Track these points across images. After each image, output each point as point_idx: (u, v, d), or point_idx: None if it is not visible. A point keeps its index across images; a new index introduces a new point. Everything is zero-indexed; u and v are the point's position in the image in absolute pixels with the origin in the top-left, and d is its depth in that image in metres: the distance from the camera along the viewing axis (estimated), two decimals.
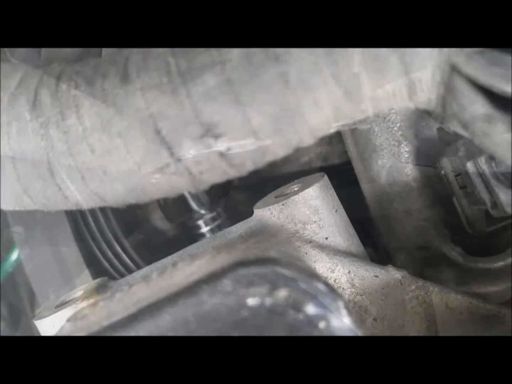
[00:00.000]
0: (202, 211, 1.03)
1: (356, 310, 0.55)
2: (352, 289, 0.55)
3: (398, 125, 0.73)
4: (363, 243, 0.61)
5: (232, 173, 0.44)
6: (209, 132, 0.41)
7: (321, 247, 0.56)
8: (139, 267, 0.89)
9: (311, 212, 0.56)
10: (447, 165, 0.63)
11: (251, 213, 0.60)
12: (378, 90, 0.40)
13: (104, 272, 0.88)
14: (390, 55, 0.39)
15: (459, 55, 0.38)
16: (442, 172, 0.64)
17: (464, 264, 0.75)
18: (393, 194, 0.76)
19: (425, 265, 0.78)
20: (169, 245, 1.01)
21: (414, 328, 0.55)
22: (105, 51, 0.49)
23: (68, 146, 0.42)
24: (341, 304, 0.36)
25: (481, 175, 0.55)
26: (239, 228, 0.60)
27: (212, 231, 1.03)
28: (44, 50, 0.53)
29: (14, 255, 1.13)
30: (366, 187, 0.80)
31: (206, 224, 1.03)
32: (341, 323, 0.36)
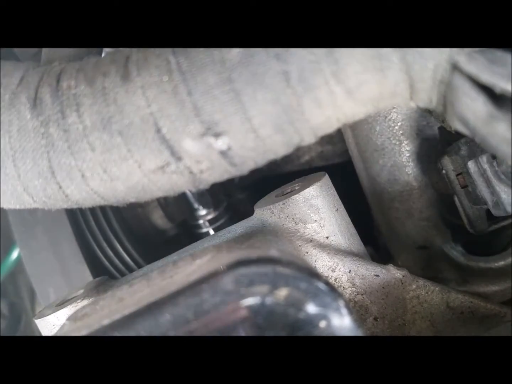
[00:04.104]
0: (203, 210, 1.03)
1: (356, 309, 0.55)
2: (353, 288, 0.55)
3: (399, 124, 0.73)
4: (364, 242, 0.61)
5: (233, 172, 0.44)
6: (210, 130, 0.41)
7: (322, 246, 0.56)
8: (139, 266, 0.89)
9: (312, 211, 0.56)
10: (448, 164, 0.62)
11: (252, 212, 0.60)
12: (379, 89, 0.40)
13: (105, 271, 0.89)
14: (391, 54, 0.39)
15: (460, 54, 0.38)
16: (443, 171, 0.63)
17: (465, 263, 0.75)
18: (394, 193, 0.76)
19: (426, 264, 0.78)
20: (169, 244, 1.01)
21: (414, 328, 0.55)
22: (105, 50, 0.49)
23: (69, 144, 0.42)
24: (341, 303, 0.36)
25: (482, 174, 0.55)
26: (240, 227, 0.60)
27: (213, 230, 1.03)
28: (44, 50, 0.53)
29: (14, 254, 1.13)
30: (367, 186, 0.80)
31: (207, 223, 1.03)
32: (342, 322, 0.36)
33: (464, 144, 0.60)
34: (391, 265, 0.56)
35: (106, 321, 0.37)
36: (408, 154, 0.74)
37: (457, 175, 0.62)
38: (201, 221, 1.03)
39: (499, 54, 0.37)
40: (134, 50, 0.44)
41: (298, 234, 0.56)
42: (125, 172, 0.43)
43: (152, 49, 0.43)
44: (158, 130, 0.41)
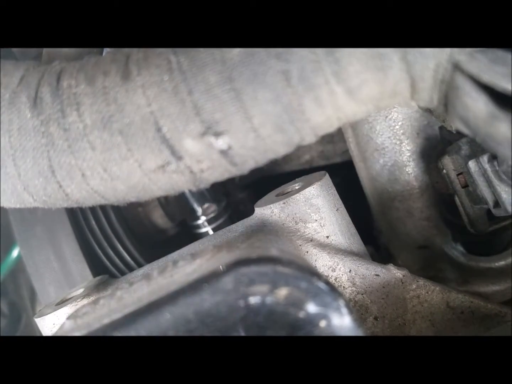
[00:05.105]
0: (202, 210, 1.03)
1: (357, 309, 0.55)
2: (353, 288, 0.55)
3: (400, 123, 0.73)
4: (364, 242, 0.61)
5: (233, 171, 0.44)
6: (210, 130, 0.41)
7: (322, 246, 0.56)
8: (139, 265, 0.89)
9: (312, 211, 0.56)
10: (449, 164, 0.62)
11: (252, 211, 0.60)
12: (380, 89, 0.40)
13: (105, 270, 0.89)
14: (392, 54, 0.39)
15: (461, 54, 0.38)
16: (444, 171, 0.63)
17: (465, 263, 0.75)
18: (395, 193, 0.76)
19: (426, 264, 0.78)
20: (170, 243, 1.01)
21: (414, 327, 0.55)
22: (105, 49, 0.49)
23: (69, 143, 0.42)
24: (342, 303, 0.36)
25: (483, 174, 0.55)
26: (240, 226, 0.60)
27: (213, 229, 1.03)
28: (45, 49, 0.53)
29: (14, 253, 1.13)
30: (367, 186, 0.80)
31: (207, 223, 1.03)
32: (342, 322, 0.36)
33: (465, 144, 0.60)
34: (391, 264, 0.56)
35: (106, 320, 0.37)
36: (408, 154, 0.74)
37: (457, 174, 0.62)
38: (200, 221, 1.03)
39: (500, 54, 0.37)
40: (135, 49, 0.44)
41: (299, 233, 0.56)
42: (125, 172, 0.43)
43: (152, 49, 0.43)
44: (159, 130, 0.41)
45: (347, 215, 0.60)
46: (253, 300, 0.36)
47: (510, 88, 0.35)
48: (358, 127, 0.76)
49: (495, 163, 0.53)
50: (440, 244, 0.76)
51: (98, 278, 0.64)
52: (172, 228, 1.03)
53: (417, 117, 0.72)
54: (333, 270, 0.55)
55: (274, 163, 0.45)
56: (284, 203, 0.56)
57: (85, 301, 0.56)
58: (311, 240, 0.56)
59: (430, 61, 0.38)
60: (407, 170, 0.75)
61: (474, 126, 0.38)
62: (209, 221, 1.03)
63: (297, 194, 0.56)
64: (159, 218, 1.00)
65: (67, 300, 0.59)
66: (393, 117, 0.73)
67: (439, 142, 0.71)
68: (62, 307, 0.56)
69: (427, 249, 0.77)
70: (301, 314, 0.36)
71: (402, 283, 0.55)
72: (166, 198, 0.99)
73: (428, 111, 0.65)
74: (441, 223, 0.76)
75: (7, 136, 0.43)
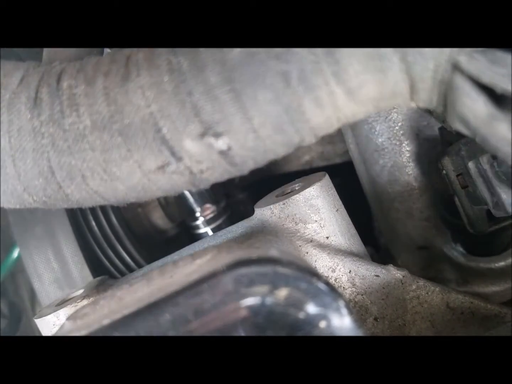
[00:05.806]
0: (202, 210, 1.03)
1: (356, 310, 0.55)
2: (353, 289, 0.55)
3: (399, 124, 0.73)
4: (364, 243, 0.61)
5: (233, 172, 0.44)
6: (210, 130, 0.41)
7: (322, 247, 0.56)
8: (139, 266, 0.89)
9: (312, 212, 0.56)
10: (448, 164, 0.62)
11: (252, 212, 0.60)
12: (380, 90, 0.40)
13: (105, 270, 0.89)
14: (391, 54, 0.39)
15: (461, 54, 0.38)
16: (444, 171, 0.63)
17: (465, 264, 0.75)
18: (394, 193, 0.76)
19: (426, 264, 0.78)
20: (169, 244, 1.01)
21: (414, 328, 0.55)
22: (106, 49, 0.49)
23: (69, 144, 0.42)
24: (341, 303, 0.36)
25: (483, 174, 0.55)
26: (240, 227, 0.60)
27: (212, 230, 1.03)
28: (45, 50, 0.53)
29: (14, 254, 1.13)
30: (367, 187, 0.80)
31: (207, 223, 1.03)
32: (342, 323, 0.36)
33: (464, 145, 0.60)
34: (391, 265, 0.56)
35: (106, 321, 0.37)
36: (408, 155, 0.74)
37: (457, 175, 0.62)
38: (200, 221, 1.03)
39: (499, 54, 0.37)
40: (135, 50, 0.44)
41: (298, 234, 0.56)
42: (125, 172, 0.43)
43: (152, 49, 0.43)
44: (158, 130, 0.41)
45: (347, 215, 0.60)
46: (253, 300, 0.36)
47: (509, 88, 0.35)
48: (358, 128, 0.76)
49: (495, 163, 0.53)
50: (440, 245, 0.76)
51: (98, 279, 0.64)
52: (172, 228, 1.03)
53: (416, 118, 0.72)
54: (333, 271, 0.56)
55: (274, 163, 0.45)
56: (284, 203, 0.56)
57: (85, 301, 0.56)
58: (311, 241, 0.56)
59: (430, 61, 0.38)
60: (406, 171, 0.75)
61: (474, 126, 0.38)
62: (209, 222, 1.03)
63: (297, 195, 0.56)
64: (158, 218, 1.00)
65: (67, 301, 0.59)
66: (393, 118, 0.73)
67: (439, 143, 0.71)
68: (62, 307, 0.56)
69: (427, 250, 0.77)
70: (301, 315, 0.36)
71: (402, 283, 0.55)
72: (166, 198, 0.99)
73: (428, 112, 0.65)
74: (440, 223, 0.76)
75: (7, 137, 0.43)
